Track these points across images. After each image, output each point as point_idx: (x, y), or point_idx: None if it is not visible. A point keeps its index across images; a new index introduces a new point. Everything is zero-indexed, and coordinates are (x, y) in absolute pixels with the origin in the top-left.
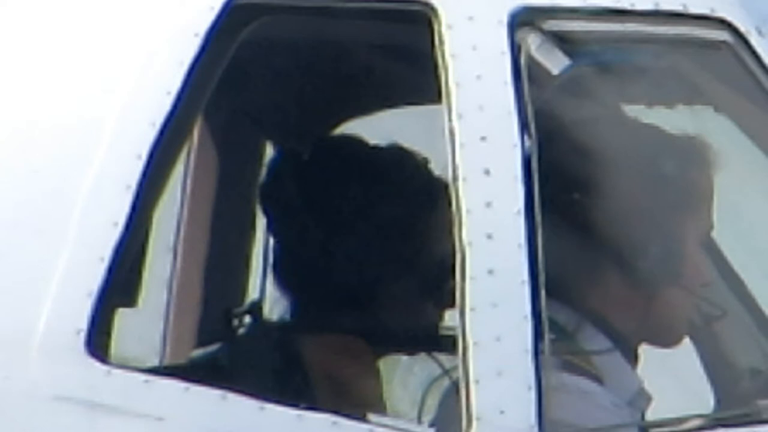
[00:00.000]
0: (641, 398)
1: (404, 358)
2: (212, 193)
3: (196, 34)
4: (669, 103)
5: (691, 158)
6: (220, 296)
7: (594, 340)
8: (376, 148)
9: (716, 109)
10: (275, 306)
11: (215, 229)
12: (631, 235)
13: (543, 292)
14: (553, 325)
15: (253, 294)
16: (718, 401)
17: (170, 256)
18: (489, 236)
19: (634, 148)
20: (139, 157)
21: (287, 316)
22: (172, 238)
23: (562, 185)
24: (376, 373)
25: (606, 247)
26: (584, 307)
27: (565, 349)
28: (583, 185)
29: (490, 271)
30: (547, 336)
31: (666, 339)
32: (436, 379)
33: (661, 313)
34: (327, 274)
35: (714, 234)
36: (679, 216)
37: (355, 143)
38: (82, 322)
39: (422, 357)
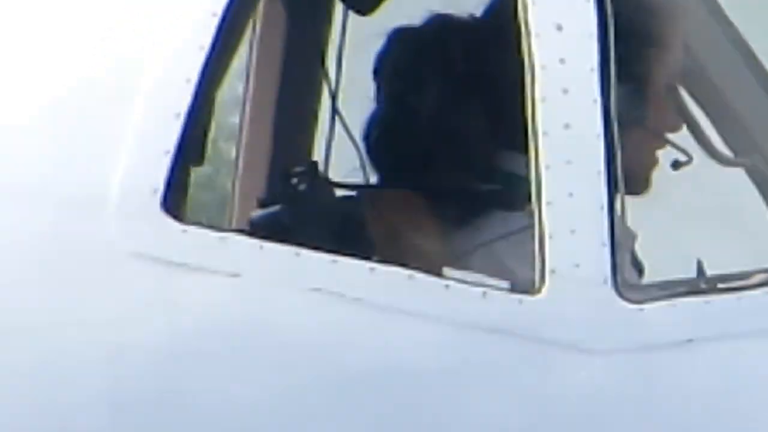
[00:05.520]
0: None
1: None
2: (281, 51)
3: None
4: None
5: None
6: (284, 157)
7: None
8: None
9: None
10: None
11: (283, 89)
12: None
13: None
14: None
15: (318, 155)
16: None
17: (238, 115)
18: (564, 91)
19: None
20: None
21: (349, 176)
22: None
23: None
24: (444, 228)
25: None
26: None
27: None
28: None
29: (566, 126)
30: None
31: (633, 185)
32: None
33: (627, 157)
34: (414, 138)
35: None
36: (641, 55)
37: None
38: (158, 181)
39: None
